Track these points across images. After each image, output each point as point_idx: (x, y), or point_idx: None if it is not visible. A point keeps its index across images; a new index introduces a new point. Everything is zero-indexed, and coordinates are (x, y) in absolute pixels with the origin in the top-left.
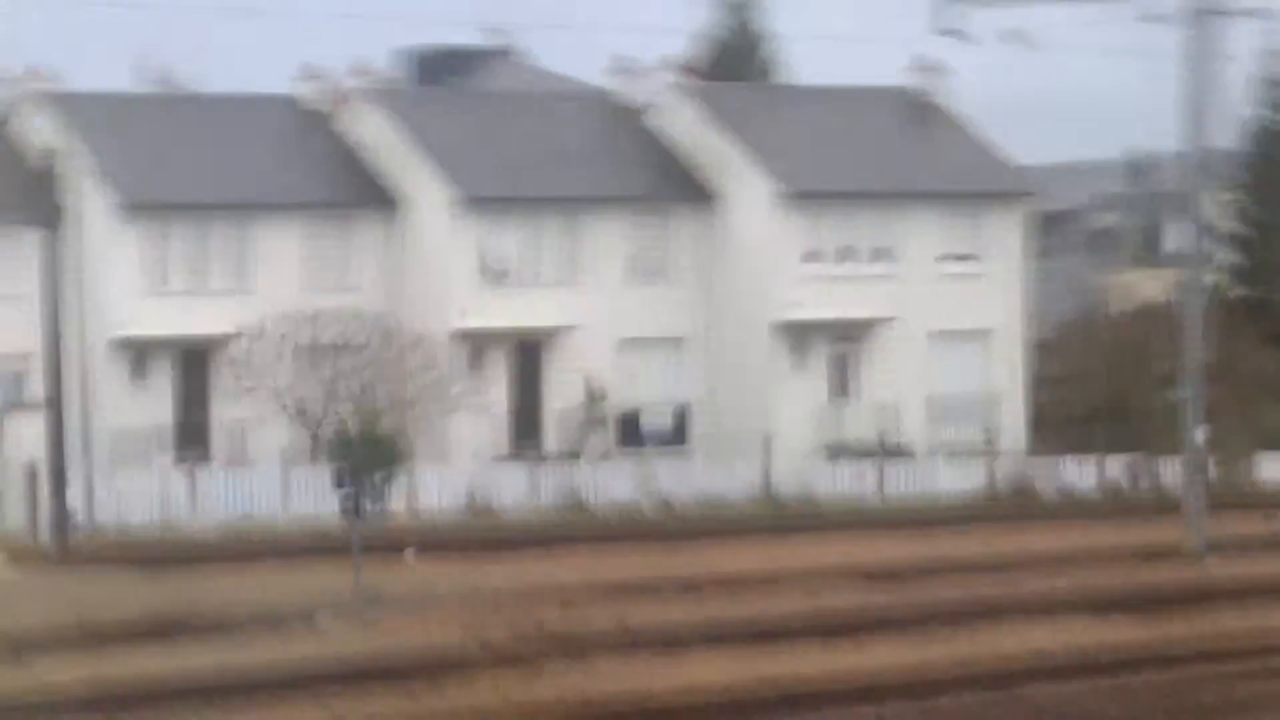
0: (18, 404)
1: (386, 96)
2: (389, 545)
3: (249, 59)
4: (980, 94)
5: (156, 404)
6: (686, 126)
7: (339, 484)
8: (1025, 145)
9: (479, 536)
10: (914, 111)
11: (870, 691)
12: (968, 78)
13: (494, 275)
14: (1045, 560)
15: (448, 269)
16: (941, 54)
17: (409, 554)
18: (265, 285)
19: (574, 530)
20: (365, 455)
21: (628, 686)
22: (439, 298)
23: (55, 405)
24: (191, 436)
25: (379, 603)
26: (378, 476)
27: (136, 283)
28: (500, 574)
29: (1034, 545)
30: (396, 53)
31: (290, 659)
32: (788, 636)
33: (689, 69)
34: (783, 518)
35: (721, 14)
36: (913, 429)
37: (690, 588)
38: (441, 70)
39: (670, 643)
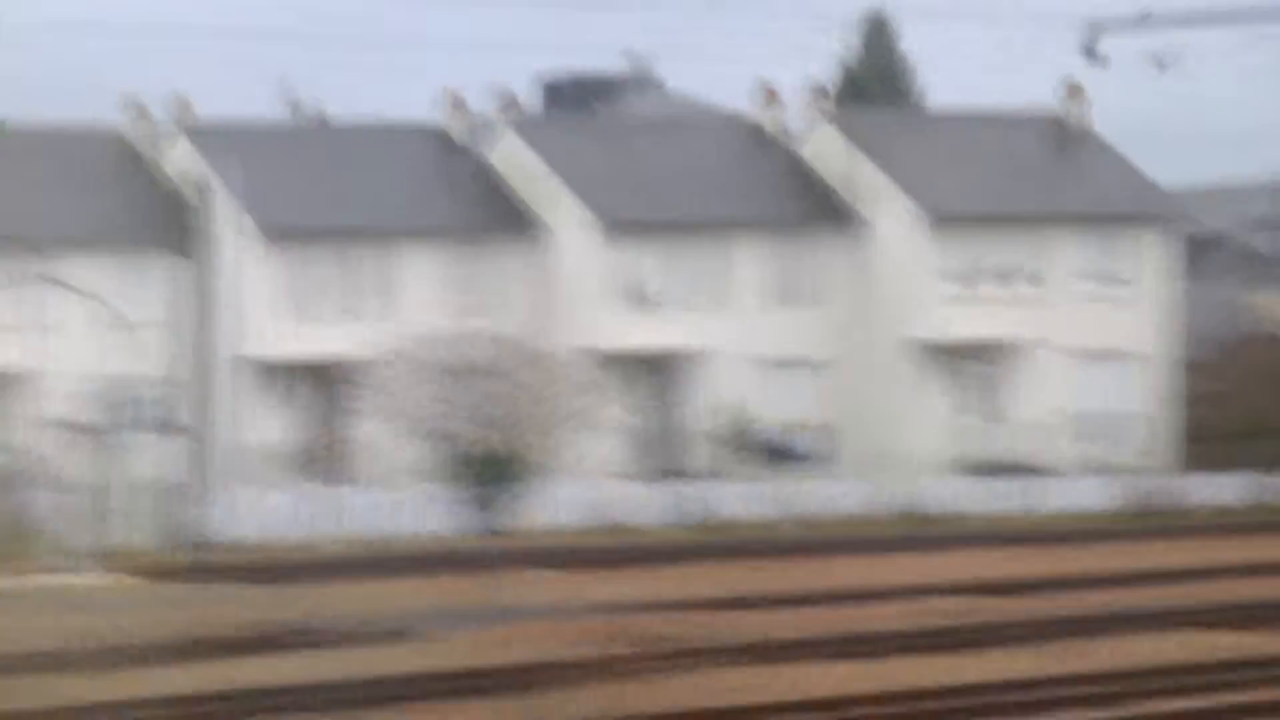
0: (162, 425)
1: (526, 124)
2: (521, 560)
3: (387, 87)
4: (1125, 118)
5: (293, 424)
6: (832, 153)
7: (474, 500)
8: (1172, 168)
9: (611, 551)
10: (1058, 135)
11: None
12: (1113, 101)
13: (636, 298)
14: (1187, 574)
15: (589, 292)
16: (1086, 78)
17: (534, 571)
18: (407, 309)
19: (711, 547)
20: (500, 473)
21: (743, 696)
22: (580, 321)
23: (200, 426)
24: (332, 456)
25: (505, 614)
26: (511, 494)
27: (278, 307)
28: (631, 588)
29: (1177, 560)
30: (535, 80)
31: (411, 668)
32: (906, 645)
33: (827, 94)
34: (924, 534)
35: (860, 39)
36: (1059, 448)
37: (819, 599)
38: (580, 97)
39: (790, 651)
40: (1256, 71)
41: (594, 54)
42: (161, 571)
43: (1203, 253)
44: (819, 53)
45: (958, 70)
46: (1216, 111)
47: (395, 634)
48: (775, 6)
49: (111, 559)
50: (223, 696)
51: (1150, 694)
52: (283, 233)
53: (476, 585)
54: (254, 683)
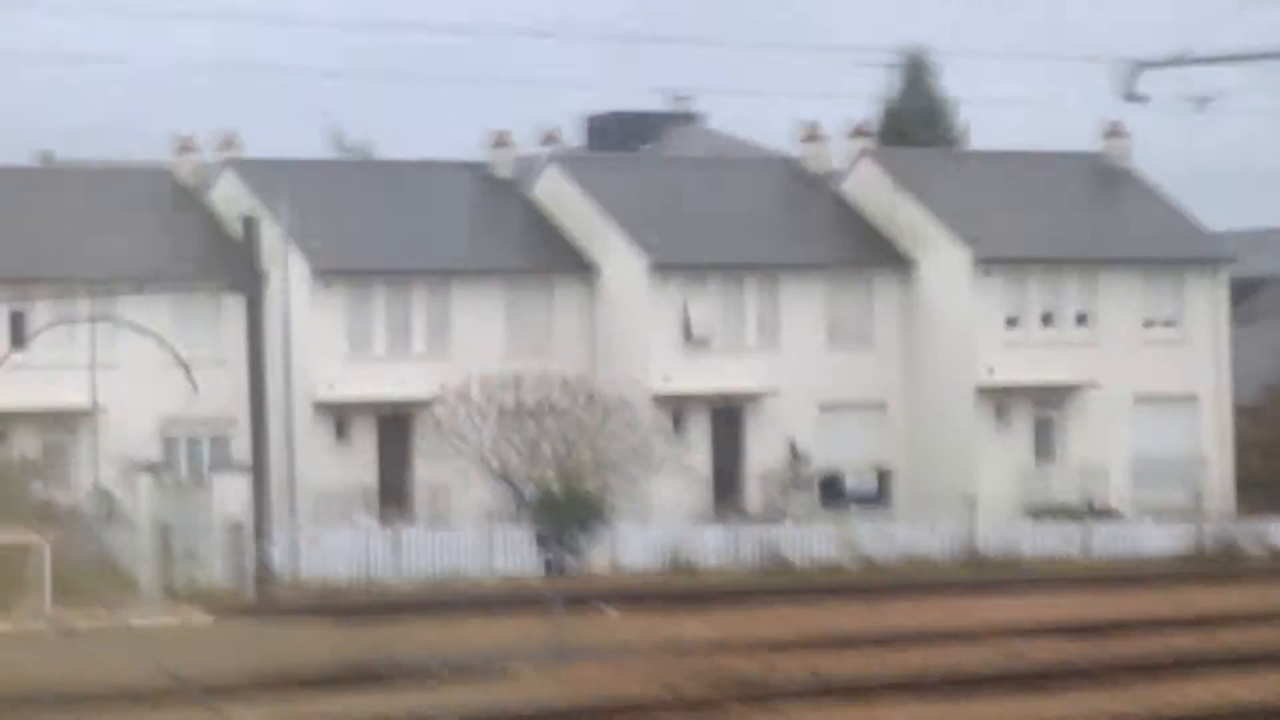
0: (223, 464)
1: (575, 162)
2: (589, 600)
3: (433, 126)
4: (1169, 159)
5: (359, 464)
6: (876, 192)
7: (541, 541)
8: (1220, 211)
9: (678, 592)
10: (1103, 176)
11: None
12: (1156, 143)
13: (694, 340)
14: (1249, 617)
15: (646, 333)
16: (1127, 118)
17: (610, 607)
18: (464, 349)
19: (774, 587)
20: (567, 514)
21: None
22: (638, 362)
23: (259, 465)
24: (393, 496)
25: (576, 653)
26: (579, 534)
27: (337, 347)
28: (698, 627)
29: (1238, 603)
30: (581, 118)
31: (482, 705)
32: (982, 687)
33: (868, 132)
34: (984, 576)
35: (900, 78)
36: (1118, 491)
37: (887, 640)
38: (623, 135)
39: (863, 692)
40: None
41: (637, 92)
42: (232, 610)
43: (1251, 296)
44: (860, 92)
45: (998, 110)
46: (1260, 153)
47: (472, 672)
48: (817, 45)
49: (183, 598)
50: None
51: None
52: (336, 271)
53: (547, 625)
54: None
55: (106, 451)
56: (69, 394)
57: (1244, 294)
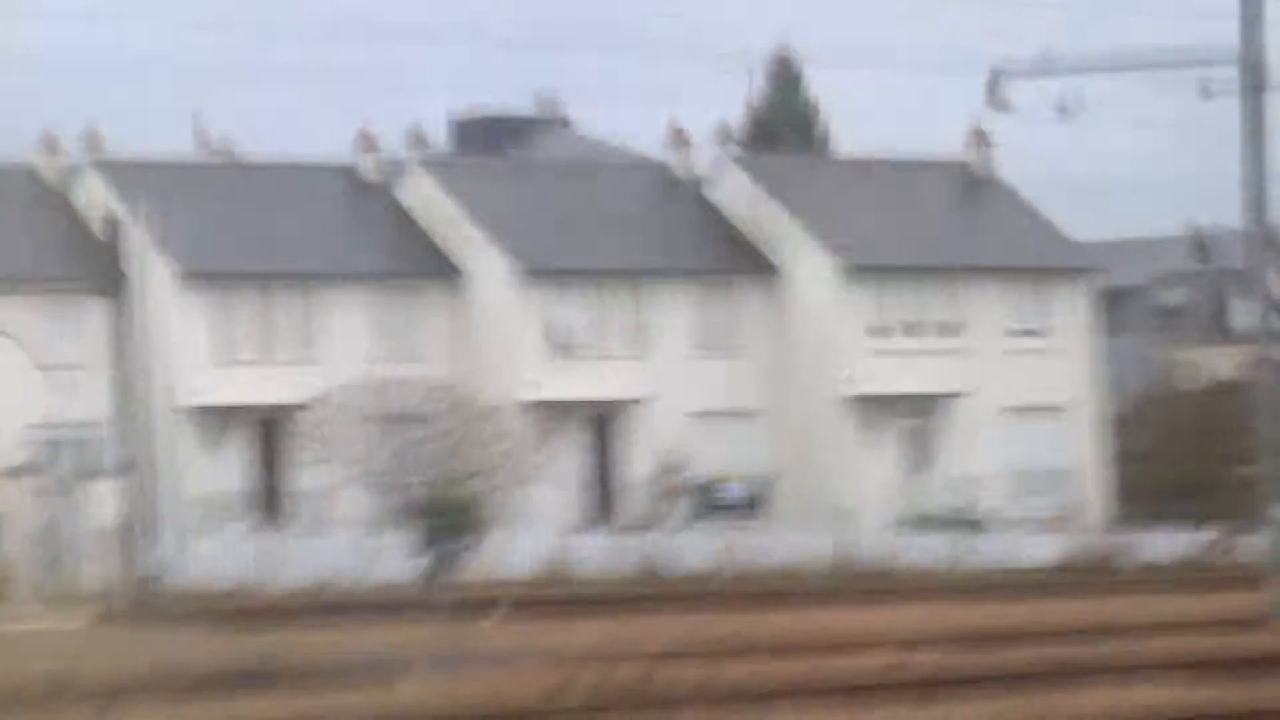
0: (96, 469)
1: (443, 166)
2: (464, 608)
3: (302, 126)
4: (1039, 169)
5: (232, 470)
6: (743, 198)
7: (418, 549)
8: (1085, 221)
9: (556, 600)
10: (970, 185)
11: None
12: (1024, 152)
13: (561, 347)
14: (1124, 627)
15: (514, 340)
16: (996, 128)
17: (493, 614)
18: (332, 354)
19: (652, 596)
20: (443, 521)
21: None
22: (506, 368)
23: (128, 470)
24: (268, 502)
25: (462, 662)
26: (456, 542)
27: (204, 351)
28: (579, 635)
29: (1113, 613)
30: (448, 121)
31: (367, 711)
32: (871, 695)
33: (734, 137)
34: (861, 586)
35: (770, 85)
36: (990, 501)
37: (772, 648)
38: (493, 139)
39: (752, 699)
40: (1162, 121)
41: (505, 95)
42: (114, 614)
43: (1121, 306)
44: (729, 97)
45: (866, 117)
46: (1127, 163)
47: (356, 678)
48: (687, 49)
49: (63, 603)
50: None
51: None
52: (205, 275)
53: (429, 632)
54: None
55: None
56: None
57: (1113, 304)
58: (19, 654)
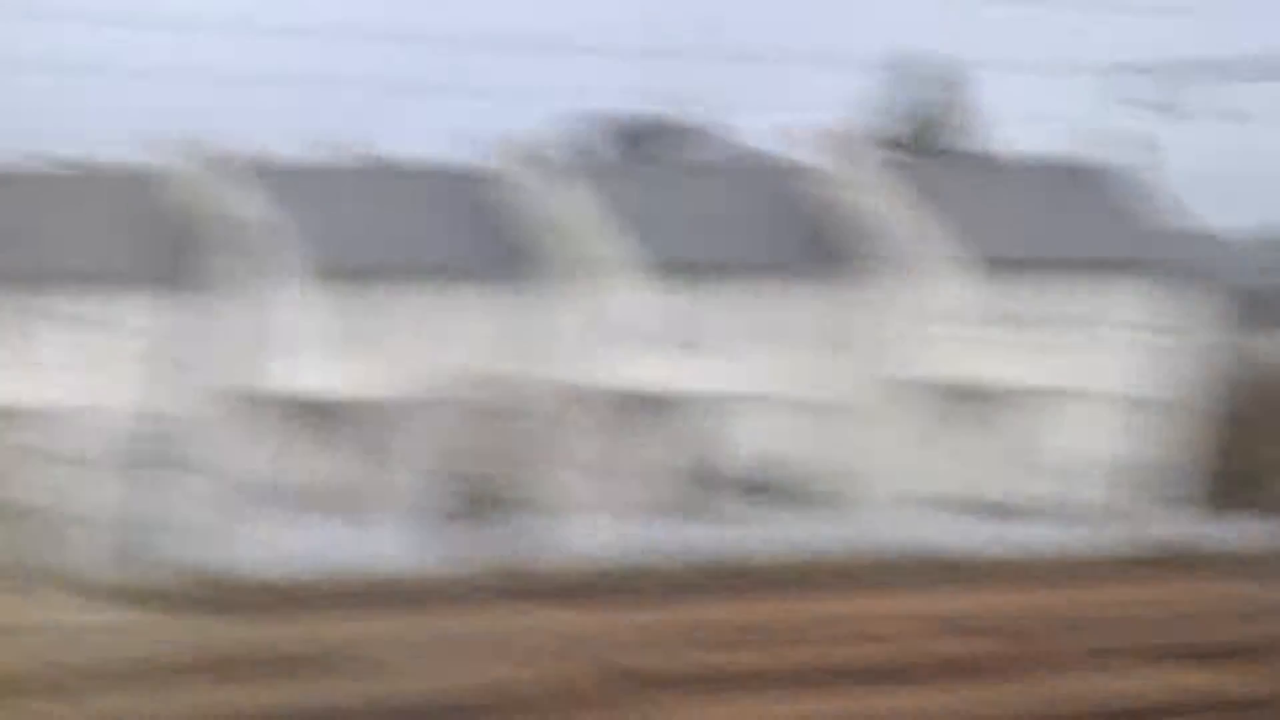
0: (178, 459)
1: (582, 168)
2: (524, 595)
3: (429, 132)
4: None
5: (304, 461)
6: (876, 195)
7: (479, 537)
8: (1241, 220)
9: (561, 584)
10: (1098, 181)
11: None
12: (1148, 145)
13: (682, 342)
14: (1208, 614)
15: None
16: (1121, 125)
17: (536, 605)
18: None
19: (716, 583)
20: (502, 509)
21: None
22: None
23: (211, 460)
24: (339, 492)
25: (458, 644)
26: (514, 530)
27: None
28: (580, 621)
29: (1188, 597)
30: (588, 124)
31: (359, 697)
32: (875, 682)
33: (867, 139)
34: (942, 572)
35: (904, 87)
36: (1078, 491)
37: (774, 635)
38: (632, 142)
39: (753, 685)
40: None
41: (643, 99)
42: (185, 604)
43: (1264, 304)
44: (860, 98)
45: (991, 117)
46: (1246, 160)
47: (347, 664)
48: (816, 53)
49: (133, 592)
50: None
51: None
52: (336, 269)
53: (480, 618)
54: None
55: (63, 447)
56: (33, 391)
57: (1258, 302)
58: (73, 643)
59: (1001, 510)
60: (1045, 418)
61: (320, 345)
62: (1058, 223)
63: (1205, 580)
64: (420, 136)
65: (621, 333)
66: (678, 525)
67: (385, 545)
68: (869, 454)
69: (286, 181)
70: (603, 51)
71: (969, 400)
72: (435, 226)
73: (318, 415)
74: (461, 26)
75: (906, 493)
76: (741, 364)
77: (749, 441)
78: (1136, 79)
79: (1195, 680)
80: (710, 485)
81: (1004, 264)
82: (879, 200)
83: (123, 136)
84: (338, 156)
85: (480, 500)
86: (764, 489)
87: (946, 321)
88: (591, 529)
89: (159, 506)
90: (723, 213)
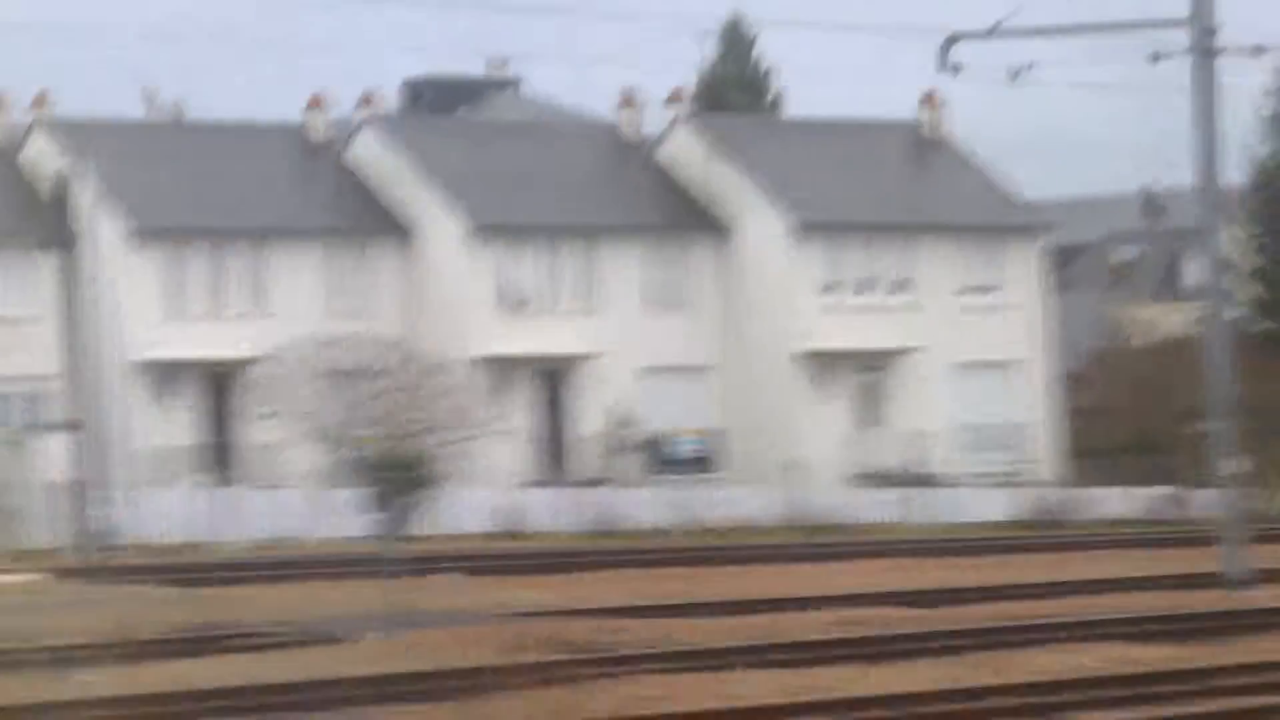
0: (39, 424)
1: (394, 125)
2: (417, 567)
3: (254, 87)
4: (991, 129)
5: (182, 426)
6: (694, 158)
7: (370, 506)
8: (1037, 180)
9: (509, 559)
10: (920, 145)
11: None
12: (973, 114)
13: (512, 303)
14: (1078, 587)
15: (465, 296)
16: (946, 90)
17: (446, 576)
18: (283, 310)
19: (604, 554)
20: (393, 478)
21: (665, 704)
22: (458, 324)
23: (77, 425)
24: (218, 458)
25: (418, 620)
26: (406, 499)
27: (155, 306)
28: (539, 594)
29: (1065, 572)
30: (401, 83)
31: (340, 672)
32: (823, 657)
33: (684, 98)
34: (813, 543)
35: (718, 45)
36: (940, 458)
37: (726, 606)
38: (445, 100)
39: (707, 657)
40: (1113, 85)
41: (456, 57)
42: (67, 570)
43: (1073, 264)
44: (680, 60)
45: (818, 80)
46: (1076, 123)
47: (313, 638)
48: (638, 11)
49: (16, 557)
50: (160, 699)
51: (1078, 705)
52: (156, 231)
53: (383, 590)
54: (185, 685)
55: None
56: None
57: (1065, 262)
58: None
59: (883, 478)
60: (900, 382)
61: (156, 306)
62: (876, 185)
63: (1107, 551)
64: (239, 94)
65: (468, 294)
66: (586, 493)
67: (277, 512)
68: (753, 420)
69: (105, 138)
70: (414, 6)
71: (830, 365)
72: (256, 187)
73: (180, 377)
74: None
75: (795, 460)
76: (592, 328)
77: (642, 406)
78: (948, 40)
79: (1143, 655)
80: (615, 452)
81: (828, 227)
82: (697, 162)
83: None
84: (155, 112)
85: (373, 466)
86: (666, 455)
87: (783, 284)
88: (490, 498)
89: (38, 470)
90: (538, 172)
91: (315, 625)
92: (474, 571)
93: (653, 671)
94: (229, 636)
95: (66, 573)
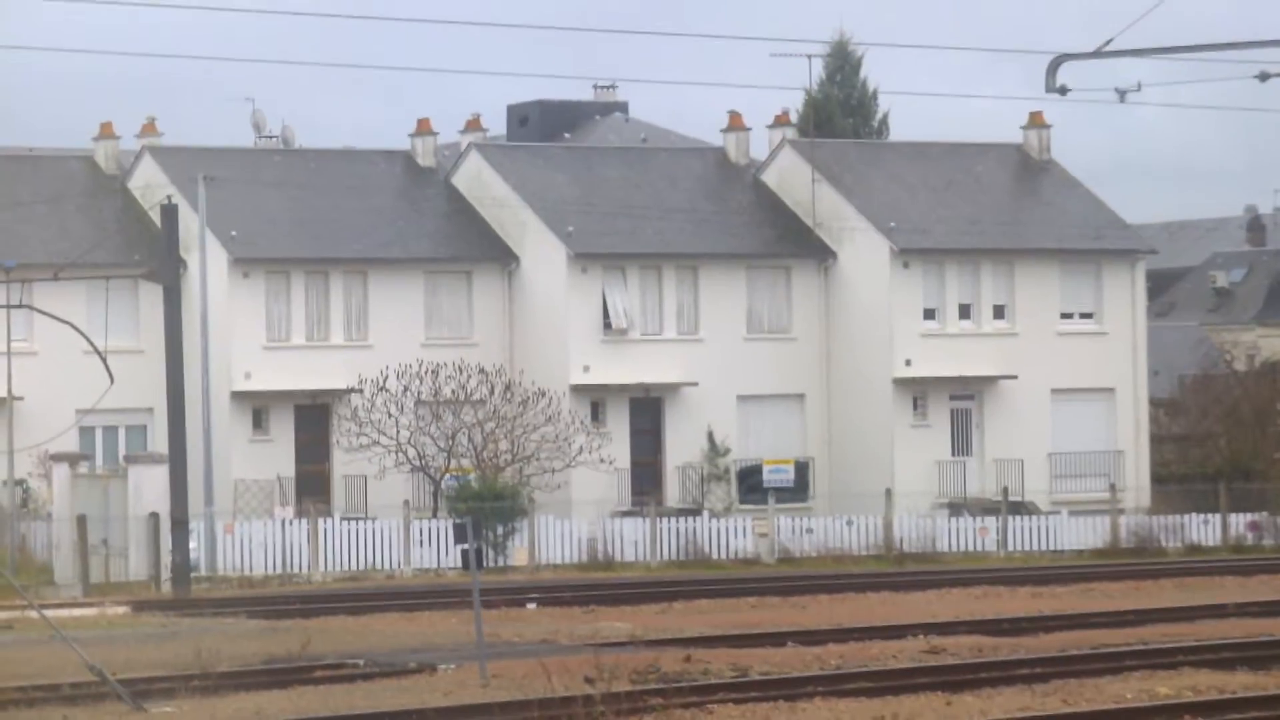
0: (141, 454)
1: (496, 150)
2: (510, 596)
3: (359, 114)
4: (1090, 153)
5: (277, 456)
6: (797, 182)
7: (460, 537)
8: (1139, 203)
9: (600, 588)
10: (1024, 168)
11: None
12: (1082, 135)
13: (613, 330)
14: (1165, 614)
15: (566, 323)
16: (1053, 111)
17: (536, 605)
18: (384, 338)
19: (695, 583)
20: (487, 508)
21: None
22: (558, 352)
23: (176, 455)
24: (312, 488)
25: (500, 650)
26: (499, 529)
27: (256, 336)
28: (621, 623)
29: (1155, 600)
30: (506, 107)
31: (407, 701)
32: (906, 686)
33: (791, 122)
34: (904, 571)
35: (825, 71)
36: (1035, 484)
37: (810, 636)
38: (547, 124)
39: (787, 687)
40: (1220, 106)
41: (561, 82)
42: (155, 603)
43: (1175, 287)
44: (785, 83)
45: (922, 101)
46: (1179, 147)
47: (400, 669)
48: (742, 35)
49: (105, 590)
50: None
51: None
52: (255, 260)
53: (473, 620)
54: (262, 717)
55: (23, 441)
56: None
57: (1162, 286)
58: (56, 641)
59: (976, 505)
60: (995, 408)
61: (259, 337)
62: (979, 208)
63: (1200, 578)
64: (337, 118)
65: (569, 322)
66: (677, 522)
67: (371, 543)
68: (847, 447)
69: (211, 166)
70: (518, 31)
71: (933, 392)
72: (359, 213)
73: (275, 408)
74: (370, 6)
75: (889, 488)
76: (693, 355)
77: (738, 434)
78: (1054, 61)
79: (1236, 682)
80: (708, 480)
81: (930, 252)
82: (803, 186)
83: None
84: (261, 140)
85: (463, 497)
86: (759, 483)
87: (883, 310)
88: (581, 526)
89: (128, 502)
90: (642, 197)
91: (402, 655)
92: (564, 602)
93: (738, 701)
94: (313, 668)
95: (154, 605)
